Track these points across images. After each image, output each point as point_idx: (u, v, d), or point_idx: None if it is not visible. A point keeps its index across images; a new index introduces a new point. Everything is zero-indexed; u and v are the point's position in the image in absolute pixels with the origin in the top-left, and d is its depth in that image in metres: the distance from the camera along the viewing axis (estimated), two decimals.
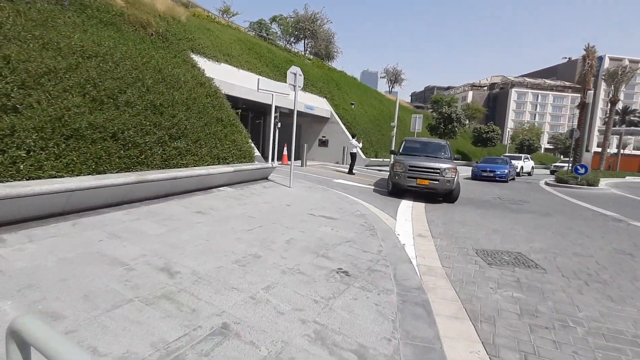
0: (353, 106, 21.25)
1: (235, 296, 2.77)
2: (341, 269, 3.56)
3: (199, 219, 4.95)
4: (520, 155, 26.01)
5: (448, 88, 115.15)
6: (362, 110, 22.55)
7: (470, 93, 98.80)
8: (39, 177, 4.36)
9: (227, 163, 8.02)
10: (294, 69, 8.37)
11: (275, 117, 16.00)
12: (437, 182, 8.26)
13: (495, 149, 38.76)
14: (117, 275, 2.97)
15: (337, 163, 18.39)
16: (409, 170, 8.48)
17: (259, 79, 9.54)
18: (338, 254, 4.01)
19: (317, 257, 3.85)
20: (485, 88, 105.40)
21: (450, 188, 8.34)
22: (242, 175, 8.00)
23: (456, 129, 24.91)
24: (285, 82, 8.63)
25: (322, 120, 19.00)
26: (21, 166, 4.18)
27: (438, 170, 8.29)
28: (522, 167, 22.99)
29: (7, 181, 4.02)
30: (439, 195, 8.62)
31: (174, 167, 6.40)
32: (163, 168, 6.19)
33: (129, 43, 7.97)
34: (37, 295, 2.54)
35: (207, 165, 7.32)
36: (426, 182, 8.32)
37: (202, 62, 10.75)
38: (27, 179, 4.24)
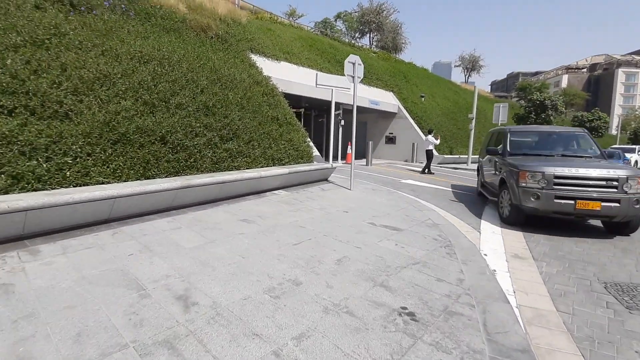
0: (423, 99, 19.45)
1: (255, 349, 2.04)
2: (405, 308, 2.60)
3: (242, 229, 4.42)
4: (635, 147, 21.04)
5: (536, 73, 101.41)
6: (434, 102, 20.54)
7: (565, 77, 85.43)
8: (86, 184, 4.26)
9: (283, 164, 7.50)
10: (352, 57, 7.48)
11: (337, 114, 15.30)
12: (615, 204, 4.69)
13: (602, 140, 32.36)
14: (127, 304, 2.48)
15: (406, 161, 16.93)
16: (557, 185, 4.92)
17: (317, 74, 8.86)
18: (402, 282, 3.05)
19: (374, 286, 2.94)
20: (584, 70, 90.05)
21: (637, 213, 4.80)
22: (298, 178, 7.41)
23: (551, 117, 20.99)
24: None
25: (388, 115, 17.71)
26: (67, 173, 4.10)
27: (616, 183, 4.78)
28: (637, 162, 18.56)
29: (53, 189, 3.94)
30: (612, 225, 5.19)
31: (224, 170, 6.05)
32: (213, 171, 5.87)
33: (188, 47, 7.98)
34: (28, 330, 2.13)
35: (261, 167, 6.88)
36: (595, 205, 4.70)
37: (260, 61, 10.53)
38: (74, 186, 4.15)
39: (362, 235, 4.48)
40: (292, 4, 38.21)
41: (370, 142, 14.30)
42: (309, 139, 8.94)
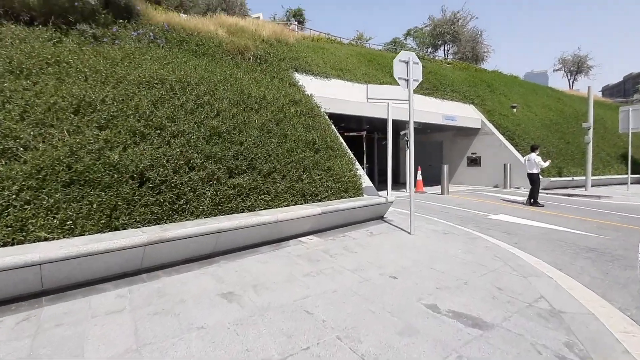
0: (515, 110, 15.93)
1: None
2: None
3: (211, 315, 2.77)
4: None
5: None
6: (530, 113, 16.73)
7: None
8: (20, 242, 3.16)
9: (318, 201, 5.78)
10: (405, 54, 5.57)
11: (403, 135, 13.12)
12: None
13: None
14: None
15: (496, 187, 13.60)
16: None
17: (367, 86, 7.12)
18: None
19: None
20: None
21: None
22: (335, 218, 5.58)
23: None
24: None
25: (469, 132, 14.75)
26: None
27: None
28: None
29: None
30: None
31: (231, 213, 4.59)
32: (215, 215, 4.45)
33: (216, 69, 7.07)
34: None
35: (286, 205, 5.27)
36: None
37: (306, 80, 9.26)
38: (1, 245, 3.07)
39: (408, 340, 2.42)
40: (359, 30, 37.72)
41: (446, 165, 11.67)
42: (357, 167, 7.08)
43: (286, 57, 9.47)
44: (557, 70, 33.63)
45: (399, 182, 15.74)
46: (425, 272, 3.82)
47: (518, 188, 12.77)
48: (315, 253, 4.46)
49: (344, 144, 7.51)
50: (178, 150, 4.50)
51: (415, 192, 12.16)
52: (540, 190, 12.04)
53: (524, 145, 13.32)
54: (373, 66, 12.93)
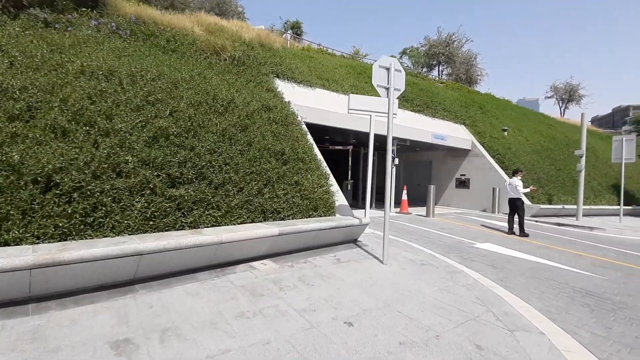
0: (506, 133, 15.55)
1: None
2: None
3: None
4: None
5: None
6: (521, 137, 16.38)
7: None
8: None
9: (281, 218, 5.05)
10: (386, 60, 4.98)
11: (392, 152, 12.52)
12: None
13: None
14: None
15: (484, 211, 13.02)
16: None
17: (349, 96, 6.53)
18: None
19: None
20: None
21: None
22: (297, 241, 4.83)
23: None
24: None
25: (459, 153, 14.26)
26: None
27: None
28: None
29: None
30: None
31: (164, 229, 3.83)
32: (145, 232, 3.69)
33: (183, 68, 6.41)
34: None
35: (241, 222, 4.53)
36: None
37: (287, 87, 8.65)
38: None
39: None
40: (356, 45, 37.84)
41: (433, 186, 11.05)
42: (332, 183, 6.39)
43: (268, 61, 8.87)
44: (549, 98, 33.95)
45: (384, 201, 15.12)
46: (390, 318, 3.08)
47: (506, 214, 12.19)
48: (262, 284, 3.70)
49: (319, 156, 6.85)
50: (106, 151, 3.75)
51: (399, 213, 11.53)
52: (529, 217, 11.50)
53: (514, 168, 12.82)
54: (363, 79, 12.44)
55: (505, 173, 12.78)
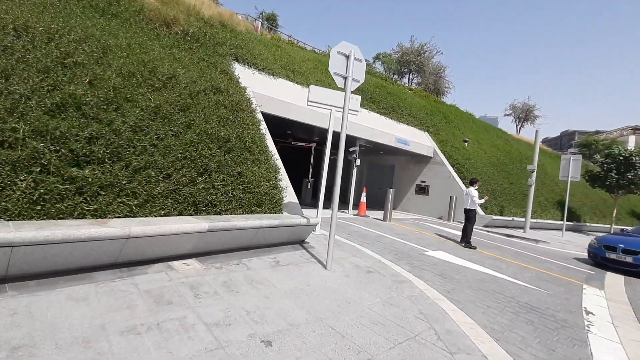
0: (467, 144, 15.92)
1: None
2: None
3: None
4: None
5: (597, 132, 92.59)
6: (480, 150, 16.87)
7: (633, 138, 76.55)
8: None
9: (218, 212, 4.46)
10: (346, 46, 4.58)
11: (352, 152, 12.26)
12: None
13: None
14: None
15: (440, 218, 13.13)
16: None
17: (310, 87, 6.10)
18: None
19: None
20: None
21: None
22: (232, 239, 4.27)
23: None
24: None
25: (421, 159, 14.33)
26: None
27: None
28: None
29: None
30: None
31: (58, 217, 3.11)
32: (31, 218, 2.95)
33: (120, 33, 5.59)
34: None
35: (165, 214, 3.89)
36: None
37: (246, 73, 8.01)
38: None
39: None
40: (330, 45, 37.59)
41: (392, 190, 10.89)
42: (282, 177, 5.87)
43: (227, 42, 8.16)
44: (507, 115, 35.82)
45: (346, 202, 14.84)
46: (319, 336, 2.63)
47: (461, 222, 12.36)
48: (175, 289, 3.11)
49: (272, 148, 6.31)
50: None
51: (357, 215, 11.25)
52: (481, 227, 11.72)
53: (471, 178, 13.05)
54: (330, 74, 12.01)
55: (463, 182, 12.97)
